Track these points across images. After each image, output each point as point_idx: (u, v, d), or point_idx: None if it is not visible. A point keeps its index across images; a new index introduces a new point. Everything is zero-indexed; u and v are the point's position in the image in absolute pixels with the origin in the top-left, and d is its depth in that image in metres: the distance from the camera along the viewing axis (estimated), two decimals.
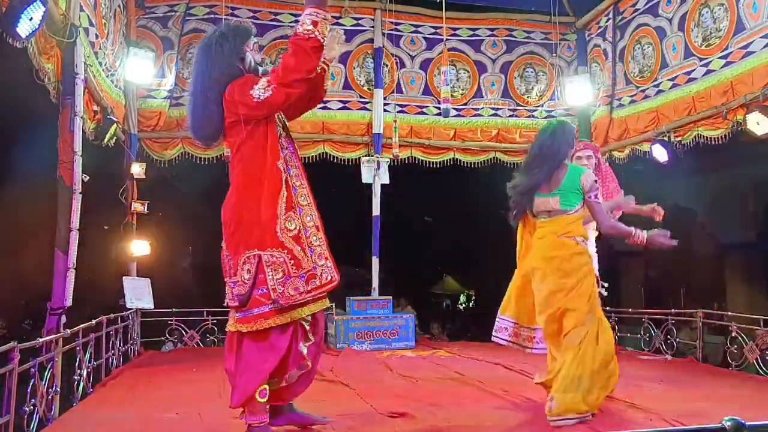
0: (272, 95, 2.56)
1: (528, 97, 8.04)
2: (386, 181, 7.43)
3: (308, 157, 7.45)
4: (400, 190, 7.76)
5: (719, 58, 5.69)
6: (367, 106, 7.64)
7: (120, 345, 5.53)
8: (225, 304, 2.78)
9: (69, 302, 4.17)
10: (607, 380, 3.25)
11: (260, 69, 2.78)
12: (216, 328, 6.92)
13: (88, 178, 4.52)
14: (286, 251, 2.62)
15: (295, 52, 2.56)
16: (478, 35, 8.00)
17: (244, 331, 2.64)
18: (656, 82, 6.59)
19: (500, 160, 7.86)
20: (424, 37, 7.87)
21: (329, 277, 2.75)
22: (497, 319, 3.66)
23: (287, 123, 2.94)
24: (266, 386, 2.74)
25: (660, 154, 6.32)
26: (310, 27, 2.54)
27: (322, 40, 2.56)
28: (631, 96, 7.01)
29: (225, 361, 2.78)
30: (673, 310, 6.28)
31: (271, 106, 2.60)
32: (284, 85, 2.57)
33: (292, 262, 2.63)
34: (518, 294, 3.55)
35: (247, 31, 2.83)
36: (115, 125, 5.71)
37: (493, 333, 3.67)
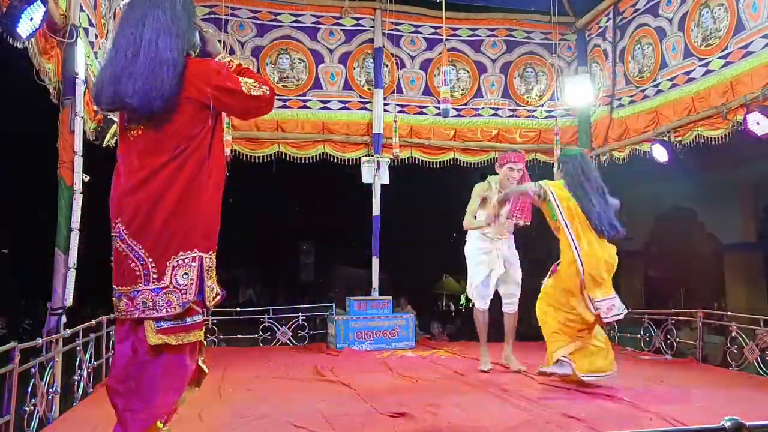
0: (262, 96, 2.37)
1: (528, 97, 8.04)
2: (386, 181, 7.44)
3: (308, 157, 7.46)
4: (400, 190, 7.76)
5: (719, 58, 5.69)
6: (367, 106, 7.64)
7: None
8: (123, 315, 2.27)
9: (69, 302, 4.17)
10: None
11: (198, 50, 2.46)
12: (216, 328, 6.92)
13: (88, 178, 4.52)
14: (215, 255, 2.36)
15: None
16: (478, 35, 8.00)
17: (173, 344, 2.24)
18: (656, 82, 6.59)
19: None
20: (424, 37, 7.88)
21: (217, 290, 2.44)
22: (596, 302, 4.11)
23: None
24: None
25: (660, 154, 6.32)
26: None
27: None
28: (631, 96, 7.01)
29: (121, 380, 2.25)
30: (673, 310, 6.29)
31: (260, 103, 2.38)
32: (271, 94, 2.42)
33: (215, 268, 2.38)
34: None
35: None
36: (115, 125, 5.71)
37: (604, 315, 4.14)
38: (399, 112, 7.57)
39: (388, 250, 7.63)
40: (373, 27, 7.69)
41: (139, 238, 2.22)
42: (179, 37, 2.27)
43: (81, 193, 4.33)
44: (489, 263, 5.15)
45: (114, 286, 2.30)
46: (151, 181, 2.23)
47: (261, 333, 7.06)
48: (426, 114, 7.78)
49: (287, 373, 5.17)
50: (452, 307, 16.35)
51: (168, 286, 2.21)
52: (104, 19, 5.48)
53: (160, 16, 2.27)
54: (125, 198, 2.26)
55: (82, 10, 4.55)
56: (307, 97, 7.51)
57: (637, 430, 3.18)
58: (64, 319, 4.08)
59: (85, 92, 4.60)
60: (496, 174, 5.27)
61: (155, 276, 2.21)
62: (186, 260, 2.24)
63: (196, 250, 2.26)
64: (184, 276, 2.23)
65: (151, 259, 2.22)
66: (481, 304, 5.22)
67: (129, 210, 2.24)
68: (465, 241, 5.43)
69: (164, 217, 2.22)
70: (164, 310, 2.20)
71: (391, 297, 7.34)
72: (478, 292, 5.20)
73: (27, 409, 3.27)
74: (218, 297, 2.42)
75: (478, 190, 5.23)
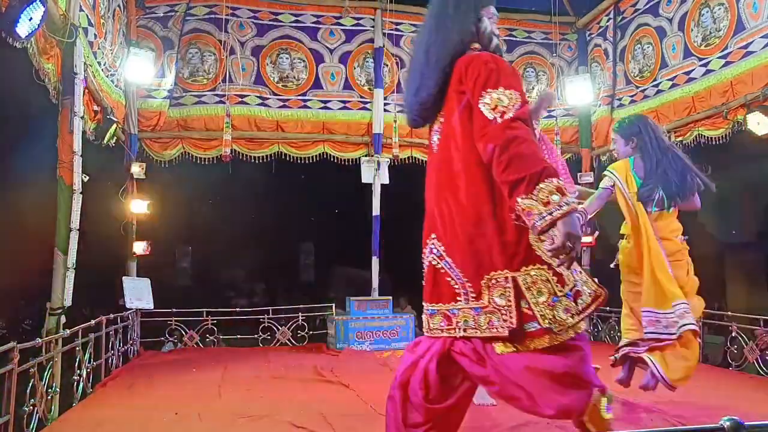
0: (494, 130, 1.97)
1: (528, 97, 8.01)
2: (386, 181, 7.44)
3: (308, 157, 7.46)
4: (400, 190, 7.75)
5: (719, 57, 5.69)
6: (368, 106, 7.64)
7: (120, 345, 5.53)
8: (436, 333, 2.14)
9: (69, 302, 4.17)
10: None
11: (494, 42, 2.27)
12: (215, 328, 6.92)
13: (88, 178, 4.52)
14: (546, 266, 2.04)
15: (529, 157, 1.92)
16: None
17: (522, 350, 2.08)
18: (656, 82, 6.59)
19: None
20: None
21: (593, 291, 2.13)
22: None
23: None
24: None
25: None
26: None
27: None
28: (632, 96, 7.01)
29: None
30: None
31: (486, 131, 1.99)
32: (504, 122, 1.97)
33: (555, 279, 2.04)
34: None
35: None
36: (115, 125, 5.72)
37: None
38: (399, 111, 7.56)
39: (388, 250, 7.63)
40: (373, 27, 7.68)
41: (452, 255, 2.12)
42: (438, 32, 2.25)
43: (80, 193, 4.34)
44: None
45: (426, 303, 2.21)
46: (454, 190, 2.12)
47: (261, 333, 7.06)
48: None
49: (287, 373, 5.16)
50: None
51: (487, 306, 2.05)
52: (103, 19, 5.48)
53: (431, 18, 2.33)
54: (435, 209, 2.19)
55: (81, 10, 4.55)
56: (307, 97, 7.50)
57: (637, 430, 3.18)
58: (63, 319, 4.08)
59: (84, 92, 4.61)
60: None
61: (473, 295, 2.08)
62: (498, 280, 2.04)
63: (506, 270, 2.03)
64: (501, 296, 2.03)
65: (466, 279, 2.09)
66: None
67: (439, 224, 2.16)
68: None
69: (469, 231, 2.08)
70: (487, 331, 2.05)
71: (390, 297, 7.34)
72: None
73: (26, 409, 3.27)
74: (599, 298, 2.11)
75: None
